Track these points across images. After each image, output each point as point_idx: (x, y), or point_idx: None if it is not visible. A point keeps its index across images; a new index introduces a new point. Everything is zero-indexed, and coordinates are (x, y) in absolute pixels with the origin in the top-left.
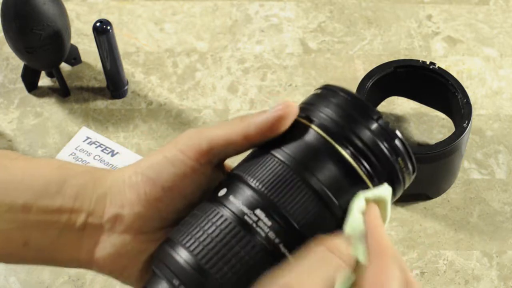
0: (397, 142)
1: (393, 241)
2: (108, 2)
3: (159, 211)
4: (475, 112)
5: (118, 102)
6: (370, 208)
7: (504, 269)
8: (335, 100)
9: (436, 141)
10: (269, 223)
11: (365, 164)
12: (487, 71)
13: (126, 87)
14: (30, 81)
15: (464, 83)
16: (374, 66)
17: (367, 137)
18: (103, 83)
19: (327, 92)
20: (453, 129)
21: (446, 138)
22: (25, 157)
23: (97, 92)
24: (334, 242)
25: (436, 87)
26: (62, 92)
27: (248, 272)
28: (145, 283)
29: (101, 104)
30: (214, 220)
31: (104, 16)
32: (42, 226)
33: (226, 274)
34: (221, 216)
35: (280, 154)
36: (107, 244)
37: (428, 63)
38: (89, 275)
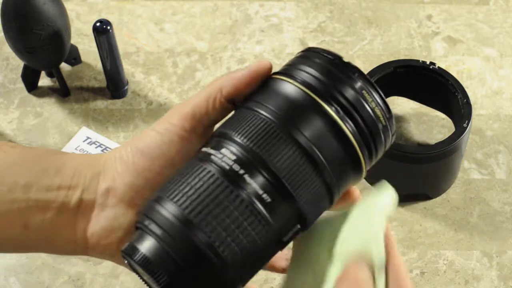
0: (379, 100)
1: None
2: (108, 2)
3: (149, 181)
4: (475, 112)
5: (118, 102)
6: (388, 234)
7: (504, 269)
8: (317, 60)
9: (436, 141)
10: (255, 176)
11: (350, 122)
12: (487, 71)
13: (126, 87)
14: (30, 81)
15: (464, 83)
16: (374, 66)
17: (351, 95)
18: (103, 83)
19: (310, 53)
20: (453, 129)
21: (446, 138)
22: (23, 146)
23: (97, 92)
24: (361, 275)
25: (436, 87)
26: (62, 92)
27: (235, 225)
28: (130, 239)
29: (101, 104)
30: (200, 175)
31: (104, 16)
32: (41, 205)
33: (214, 227)
34: (208, 170)
35: (265, 110)
36: (100, 218)
37: (428, 63)
38: (89, 274)
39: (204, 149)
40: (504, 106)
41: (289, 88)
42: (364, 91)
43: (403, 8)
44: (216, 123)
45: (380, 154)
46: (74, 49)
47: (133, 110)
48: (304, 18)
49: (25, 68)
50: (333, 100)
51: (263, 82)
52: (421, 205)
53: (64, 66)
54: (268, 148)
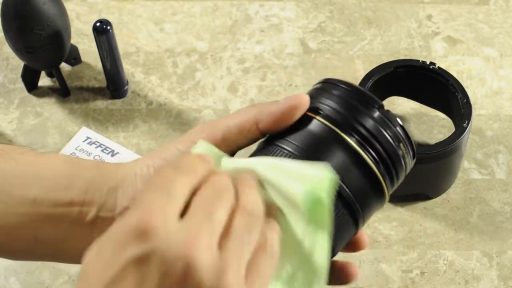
0: (398, 128)
1: (393, 241)
2: (108, 2)
3: None
4: (475, 112)
5: (118, 102)
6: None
7: (504, 269)
8: (336, 91)
9: (436, 141)
10: None
11: (371, 151)
12: (487, 71)
13: (126, 87)
14: (30, 81)
15: (464, 83)
16: (374, 66)
17: (370, 125)
18: (103, 83)
19: (328, 85)
20: (453, 129)
21: (446, 138)
22: (33, 151)
23: (97, 92)
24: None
25: (436, 87)
26: (62, 92)
27: None
28: None
29: (101, 104)
30: None
31: (104, 16)
32: (53, 219)
33: None
34: None
35: (288, 145)
36: None
37: (428, 63)
38: None
39: None
40: (504, 106)
41: (311, 122)
42: (382, 120)
43: (403, 8)
44: (243, 148)
45: (402, 178)
46: (74, 49)
47: (133, 110)
48: (304, 18)
49: (25, 68)
50: (353, 131)
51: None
52: (421, 205)
53: (64, 66)
54: None
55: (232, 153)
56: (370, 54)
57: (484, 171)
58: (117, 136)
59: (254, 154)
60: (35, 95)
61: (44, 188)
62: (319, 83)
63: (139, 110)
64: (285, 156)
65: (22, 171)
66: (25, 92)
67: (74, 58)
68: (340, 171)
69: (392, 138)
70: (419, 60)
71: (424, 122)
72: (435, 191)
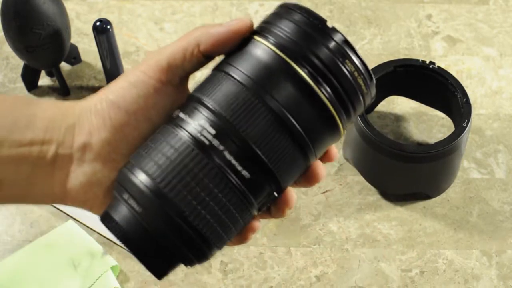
0: (355, 59)
1: (392, 240)
2: (108, 2)
3: (126, 136)
4: (474, 111)
5: None
6: None
7: (504, 268)
8: (292, 18)
9: (435, 141)
10: (226, 144)
11: (324, 84)
12: (487, 71)
13: None
14: (30, 80)
15: (464, 83)
16: (374, 65)
17: (325, 56)
18: (103, 82)
19: (285, 10)
20: (452, 128)
21: (446, 138)
22: None
23: (97, 91)
24: None
25: (436, 86)
26: (62, 91)
27: (207, 194)
28: (106, 207)
29: None
30: (172, 142)
31: (104, 15)
32: (15, 161)
33: (185, 196)
34: (179, 138)
35: (238, 74)
36: (79, 174)
37: (427, 62)
38: None
39: (178, 114)
40: (503, 106)
41: (263, 50)
42: (341, 53)
43: (403, 7)
44: (191, 74)
45: (359, 111)
46: (74, 49)
47: None
48: None
49: (25, 67)
50: (306, 62)
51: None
52: (421, 204)
53: (64, 66)
54: (241, 116)
55: (182, 79)
56: (370, 53)
57: (483, 170)
58: None
59: (204, 81)
60: (35, 94)
61: (5, 131)
62: (277, 7)
63: None
64: (232, 85)
65: None
66: (25, 91)
67: (74, 57)
68: (290, 104)
69: (348, 71)
70: (418, 60)
71: (423, 121)
72: (434, 191)
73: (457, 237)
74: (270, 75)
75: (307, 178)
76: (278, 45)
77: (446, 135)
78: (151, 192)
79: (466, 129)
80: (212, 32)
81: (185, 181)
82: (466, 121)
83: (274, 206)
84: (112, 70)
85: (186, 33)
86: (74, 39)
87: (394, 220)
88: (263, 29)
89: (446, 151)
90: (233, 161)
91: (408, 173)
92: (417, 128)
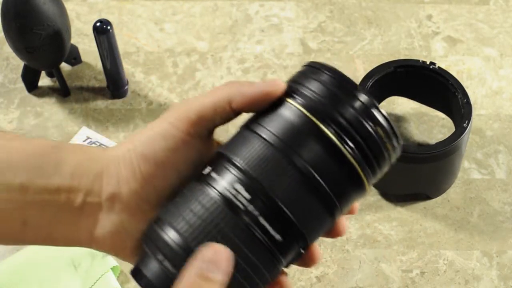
0: (380, 119)
1: (393, 240)
2: (108, 2)
3: (155, 187)
4: (475, 112)
5: (118, 102)
6: None
7: (504, 269)
8: (319, 78)
9: (436, 141)
10: (256, 205)
11: (349, 142)
12: (487, 71)
13: (126, 87)
14: (30, 81)
15: (464, 83)
16: (374, 66)
17: (350, 115)
18: (103, 83)
19: (311, 69)
20: (453, 129)
21: (446, 138)
22: (20, 137)
23: (97, 92)
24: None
25: (436, 87)
26: (62, 92)
27: (238, 254)
28: (136, 261)
29: (101, 104)
30: (202, 201)
31: (104, 16)
32: (40, 205)
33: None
34: (210, 197)
35: (264, 133)
36: (107, 223)
37: (428, 63)
38: None
39: (208, 172)
40: (504, 106)
41: (290, 110)
42: (366, 112)
43: (403, 8)
44: (218, 126)
45: (386, 168)
46: (74, 49)
47: (133, 110)
48: (304, 18)
49: (25, 68)
50: (332, 122)
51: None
52: (421, 205)
53: (64, 66)
54: (269, 175)
55: (210, 131)
56: (370, 54)
57: (484, 171)
58: (117, 136)
59: (233, 138)
60: (35, 95)
61: (31, 174)
62: (303, 66)
63: (139, 110)
64: (260, 144)
65: (8, 158)
66: (25, 92)
67: (74, 58)
68: (317, 163)
69: (373, 129)
70: (419, 60)
71: (424, 122)
72: (435, 191)
73: (458, 237)
74: (298, 134)
75: (331, 233)
76: (305, 106)
77: (447, 136)
78: (182, 250)
79: (467, 129)
80: (245, 92)
81: (215, 239)
82: (467, 121)
83: (300, 260)
84: (112, 70)
85: (217, 87)
86: (74, 40)
87: (394, 220)
88: (291, 89)
89: (446, 151)
90: (264, 222)
91: (408, 174)
92: (418, 129)
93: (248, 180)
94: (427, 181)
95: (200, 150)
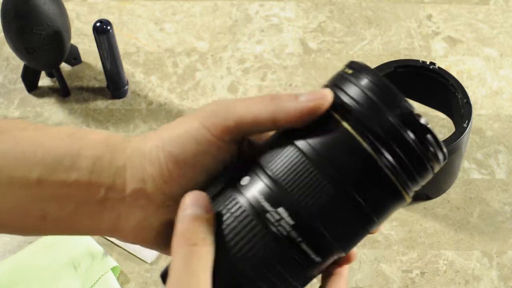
0: (423, 130)
1: (393, 241)
2: (108, 2)
3: (182, 187)
4: (475, 112)
5: (118, 102)
6: None
7: (504, 269)
8: (360, 84)
9: None
10: (286, 217)
11: (386, 155)
12: (487, 71)
13: (126, 87)
14: (30, 81)
15: (464, 83)
16: (374, 66)
17: (390, 127)
18: (103, 83)
19: (353, 75)
20: (453, 129)
21: (446, 138)
22: (34, 126)
23: (97, 92)
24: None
25: (436, 87)
26: (62, 92)
27: (265, 266)
28: (167, 265)
29: (101, 104)
30: (231, 208)
31: (104, 16)
32: (58, 199)
33: (244, 269)
34: (238, 205)
35: (302, 145)
36: (130, 217)
37: (428, 63)
38: None
39: (239, 181)
40: (504, 106)
41: (327, 118)
42: (406, 121)
43: (403, 8)
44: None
45: (428, 178)
46: (74, 49)
47: (133, 110)
48: (304, 18)
49: (25, 68)
50: (370, 133)
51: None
52: (421, 205)
53: (64, 66)
54: (303, 189)
55: (244, 138)
56: (370, 54)
57: (484, 171)
58: None
59: (270, 147)
60: (35, 95)
61: (47, 169)
62: (347, 67)
63: (139, 110)
64: (297, 156)
65: (22, 152)
66: (25, 92)
67: (74, 58)
68: (355, 177)
69: (415, 141)
70: (419, 60)
71: None
72: (435, 191)
73: (458, 237)
74: (334, 146)
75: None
76: (344, 116)
77: (447, 136)
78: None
79: (467, 129)
80: (289, 109)
81: (243, 250)
82: (467, 121)
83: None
84: (112, 70)
85: (259, 97)
86: (74, 40)
87: (394, 220)
88: (338, 101)
89: (446, 151)
90: (305, 247)
91: None
92: None
93: (282, 194)
94: (427, 181)
95: (232, 154)
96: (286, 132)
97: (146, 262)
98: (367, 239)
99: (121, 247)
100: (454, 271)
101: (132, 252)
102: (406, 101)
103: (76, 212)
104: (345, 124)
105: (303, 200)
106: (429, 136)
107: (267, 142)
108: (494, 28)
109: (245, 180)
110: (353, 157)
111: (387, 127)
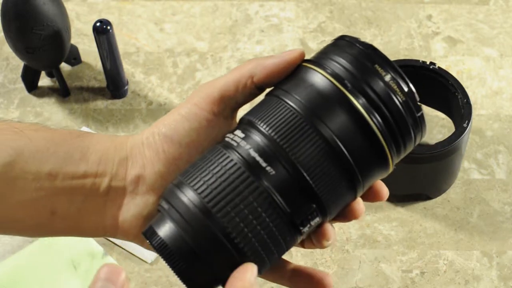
0: (410, 96)
1: (393, 241)
2: (108, 2)
3: (179, 168)
4: (475, 112)
5: (118, 102)
6: None
7: (504, 269)
8: (349, 50)
9: (436, 141)
10: (277, 170)
11: (377, 116)
12: (487, 71)
13: (126, 87)
14: (30, 81)
15: (464, 83)
16: None
17: (380, 89)
18: (103, 83)
19: (342, 42)
20: (453, 129)
21: (446, 138)
22: (46, 128)
23: (97, 92)
24: None
25: (436, 87)
26: (62, 92)
27: (254, 216)
28: (150, 222)
29: (101, 104)
30: (223, 163)
31: (104, 16)
32: (68, 192)
33: (232, 217)
34: (230, 159)
35: (291, 100)
36: (131, 206)
37: (428, 63)
38: None
39: (229, 136)
40: (504, 106)
41: (317, 78)
42: (394, 84)
43: (403, 8)
44: (242, 105)
45: (409, 149)
46: (74, 49)
47: (133, 110)
48: (304, 18)
49: (25, 68)
50: (360, 93)
51: (294, 69)
52: (421, 205)
53: (64, 66)
54: (292, 141)
55: (233, 110)
56: None
57: (484, 171)
58: None
59: (259, 105)
60: (35, 95)
61: (59, 162)
62: (335, 39)
63: (139, 110)
64: (286, 111)
65: (36, 147)
66: (25, 92)
67: (74, 58)
68: (342, 133)
69: (402, 106)
70: (419, 60)
71: None
72: (435, 191)
73: (458, 238)
74: (324, 103)
75: (350, 212)
76: (334, 75)
77: (447, 136)
78: (198, 210)
79: (467, 129)
80: (266, 64)
81: (234, 202)
82: (467, 121)
83: (314, 237)
84: (112, 70)
85: (238, 66)
86: (74, 40)
87: (394, 221)
88: (319, 59)
89: (446, 151)
90: (282, 184)
91: (408, 174)
92: None
93: (270, 144)
94: (427, 181)
95: (223, 129)
96: (273, 90)
97: (146, 262)
98: (367, 239)
99: (121, 247)
100: (454, 271)
101: (132, 252)
102: (394, 65)
103: (83, 206)
104: (337, 84)
105: (288, 146)
106: (414, 102)
107: (255, 105)
108: (494, 28)
109: (230, 135)
110: (343, 114)
111: (378, 89)
